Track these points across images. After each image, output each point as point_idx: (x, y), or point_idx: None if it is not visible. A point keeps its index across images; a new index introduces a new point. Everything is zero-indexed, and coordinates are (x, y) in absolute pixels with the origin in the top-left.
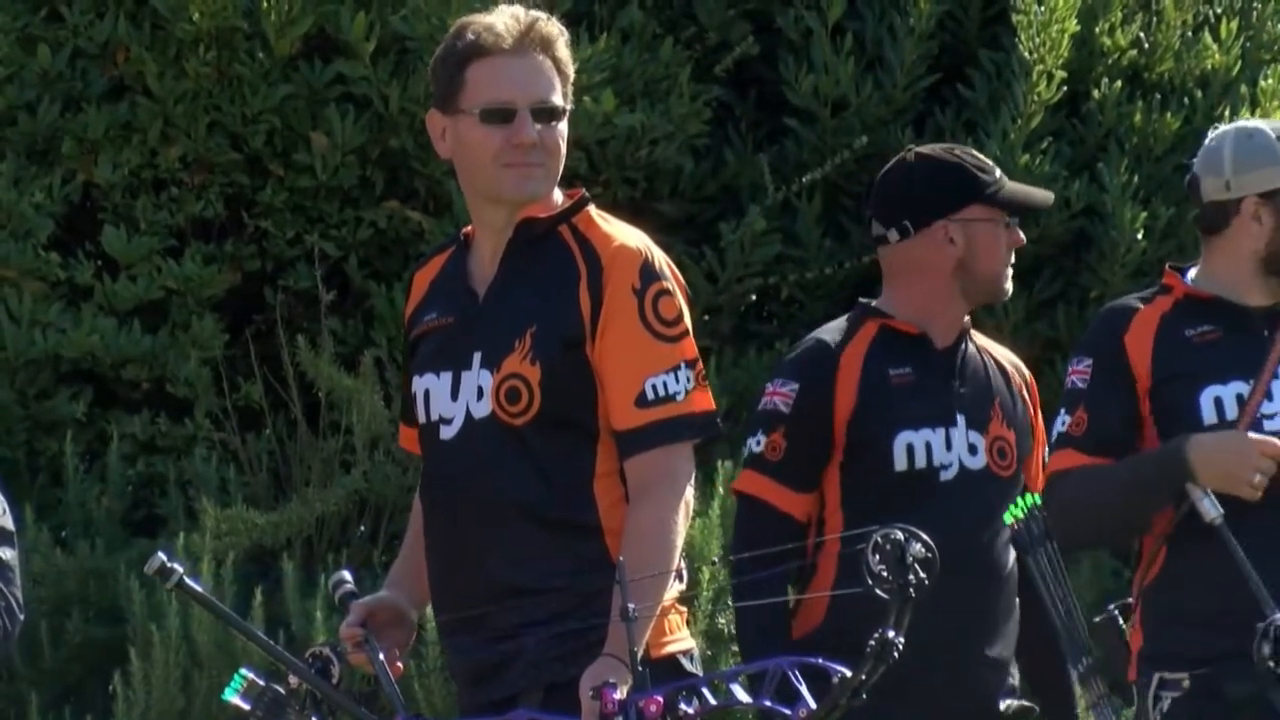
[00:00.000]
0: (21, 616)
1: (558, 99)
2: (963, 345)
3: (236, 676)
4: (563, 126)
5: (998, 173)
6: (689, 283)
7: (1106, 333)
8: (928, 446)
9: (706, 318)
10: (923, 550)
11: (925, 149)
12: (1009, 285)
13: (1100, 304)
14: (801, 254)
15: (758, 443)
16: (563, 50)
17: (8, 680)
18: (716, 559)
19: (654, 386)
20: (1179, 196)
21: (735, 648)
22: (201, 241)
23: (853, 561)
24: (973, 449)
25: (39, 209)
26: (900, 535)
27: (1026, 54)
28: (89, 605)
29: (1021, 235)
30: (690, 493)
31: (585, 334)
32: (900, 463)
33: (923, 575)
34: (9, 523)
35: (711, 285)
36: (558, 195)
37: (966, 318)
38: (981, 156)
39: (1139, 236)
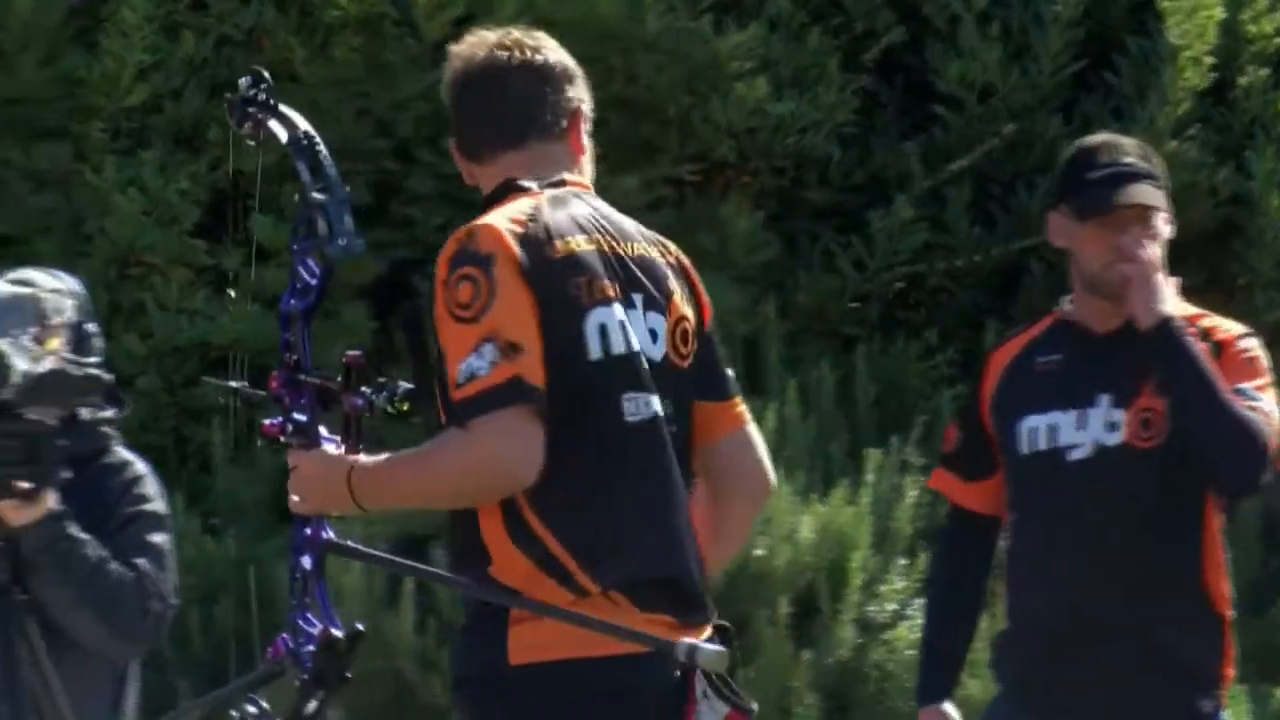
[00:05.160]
0: (174, 603)
1: None
2: (1128, 329)
3: None
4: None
5: (1107, 171)
6: (837, 270)
7: None
8: (1052, 429)
9: (855, 305)
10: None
11: (1087, 138)
12: (1113, 272)
13: (1248, 292)
14: (949, 242)
15: (945, 438)
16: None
17: (158, 668)
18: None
19: (463, 366)
20: None
21: (885, 636)
22: None
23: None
24: (1112, 426)
25: (185, 196)
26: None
27: (1173, 40)
28: (238, 592)
29: (1138, 236)
30: (485, 458)
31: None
32: (1023, 446)
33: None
34: (162, 508)
35: (859, 273)
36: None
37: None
38: (1120, 148)
39: None
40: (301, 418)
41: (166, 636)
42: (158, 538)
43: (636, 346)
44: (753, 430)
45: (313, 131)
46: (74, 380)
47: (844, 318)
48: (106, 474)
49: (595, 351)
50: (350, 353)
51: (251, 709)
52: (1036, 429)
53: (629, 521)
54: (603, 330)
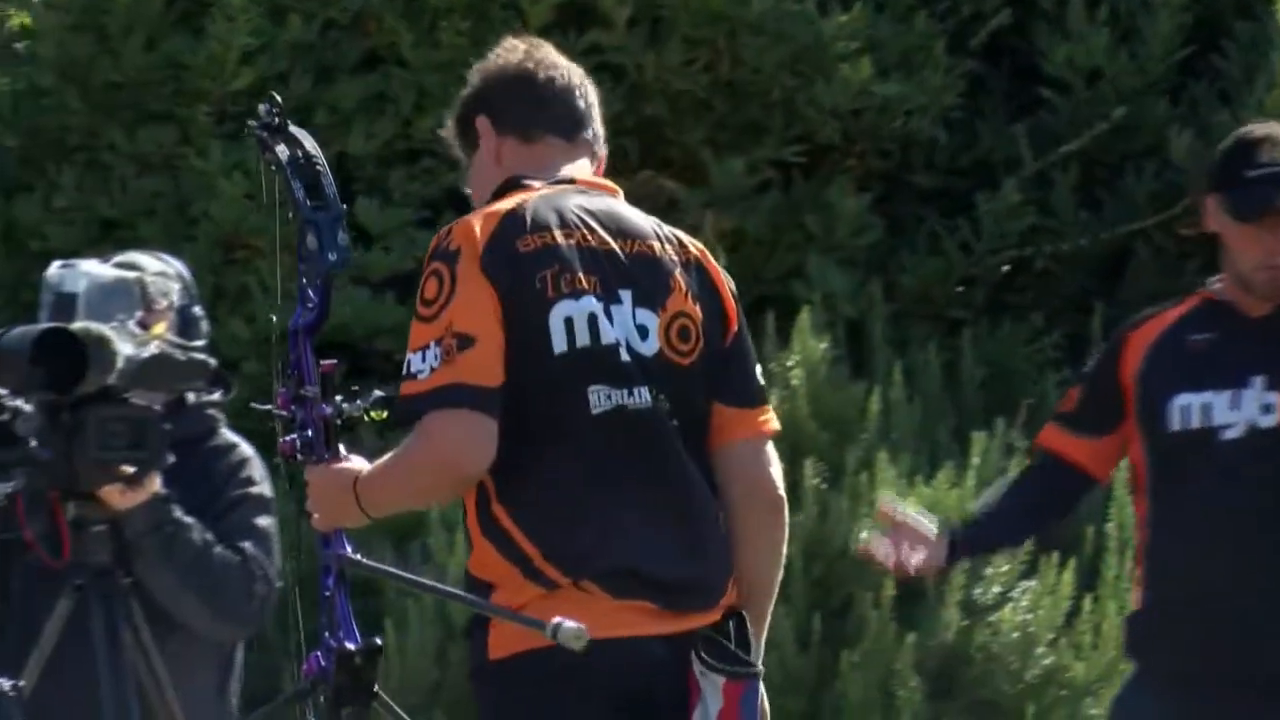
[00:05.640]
0: (278, 585)
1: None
2: None
3: None
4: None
5: (1266, 171)
6: (943, 253)
7: None
8: (1205, 408)
9: (961, 289)
10: None
11: (1250, 128)
12: (1265, 276)
13: None
14: (1056, 225)
15: (1064, 400)
16: None
17: (261, 650)
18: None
19: (407, 363)
20: None
21: (990, 619)
22: (454, 212)
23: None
24: (1266, 408)
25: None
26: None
27: None
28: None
29: None
30: (430, 454)
31: None
32: (1174, 423)
33: None
34: (268, 490)
35: (966, 256)
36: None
37: None
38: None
39: None
40: (308, 434)
41: (271, 619)
42: (263, 521)
43: (610, 339)
44: (770, 446)
45: (317, 152)
46: (179, 364)
47: (950, 301)
48: (213, 457)
49: (560, 344)
50: (325, 362)
51: None
52: (1189, 407)
53: (599, 512)
54: (568, 323)
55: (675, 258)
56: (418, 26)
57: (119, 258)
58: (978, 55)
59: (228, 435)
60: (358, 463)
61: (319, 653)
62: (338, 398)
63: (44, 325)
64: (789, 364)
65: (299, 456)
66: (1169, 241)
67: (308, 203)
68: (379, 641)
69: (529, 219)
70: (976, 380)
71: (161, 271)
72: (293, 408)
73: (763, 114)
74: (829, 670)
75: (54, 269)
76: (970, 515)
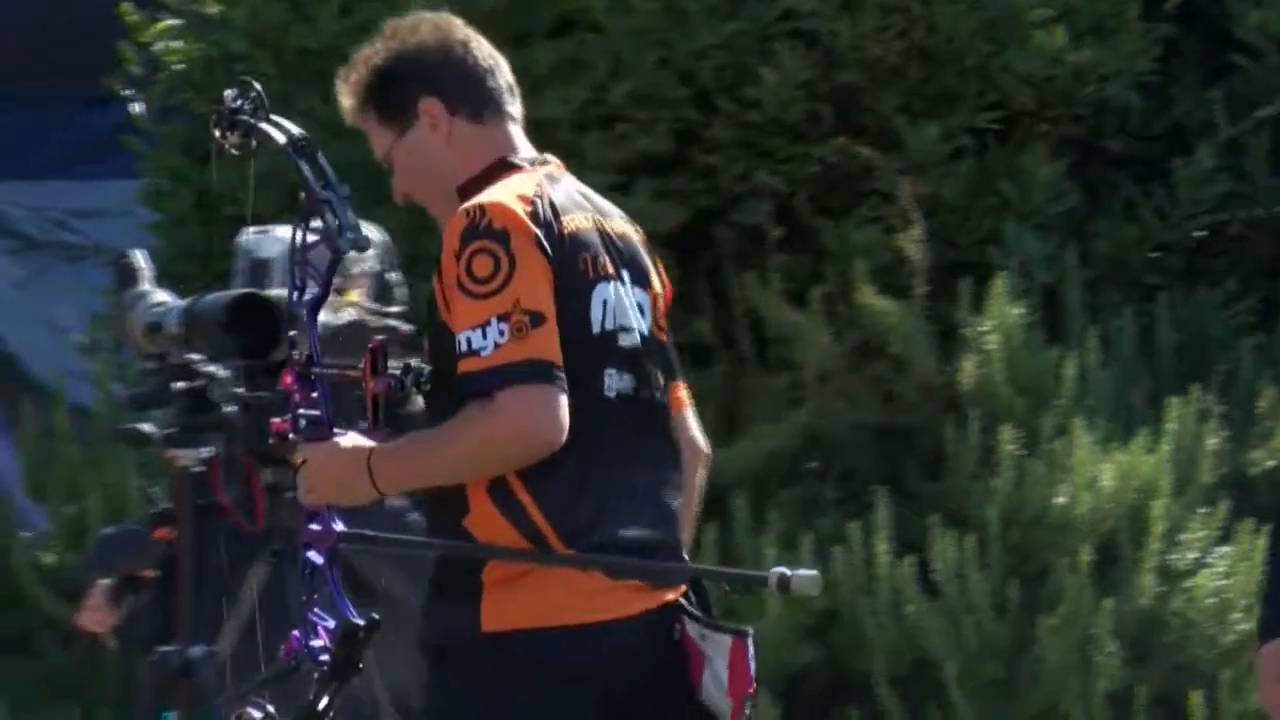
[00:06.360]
0: None
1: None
2: None
3: None
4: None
5: None
6: (1138, 219)
7: None
8: None
9: (1155, 255)
10: None
11: None
12: None
13: None
14: (1250, 191)
15: None
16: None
17: None
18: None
19: (464, 340)
20: None
21: (1186, 585)
22: (650, 178)
23: None
24: None
25: None
26: None
27: None
28: None
29: None
30: (492, 439)
31: (440, 304)
32: None
33: None
34: None
35: (1161, 222)
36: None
37: None
38: None
39: None
40: (314, 412)
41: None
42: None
43: (628, 322)
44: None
45: (307, 136)
46: (373, 331)
47: (1145, 266)
48: (408, 424)
49: (596, 326)
50: (376, 338)
51: (256, 713)
52: None
53: (605, 490)
54: (604, 305)
55: (637, 237)
56: None
57: (315, 224)
58: (1172, 20)
59: (421, 402)
60: (355, 439)
61: (297, 631)
62: (392, 371)
63: (238, 291)
64: (984, 330)
65: (292, 435)
66: None
67: (318, 183)
68: (376, 617)
69: (555, 201)
70: (1171, 346)
71: None
72: (294, 387)
73: (957, 81)
74: (1026, 636)
75: (248, 235)
76: None
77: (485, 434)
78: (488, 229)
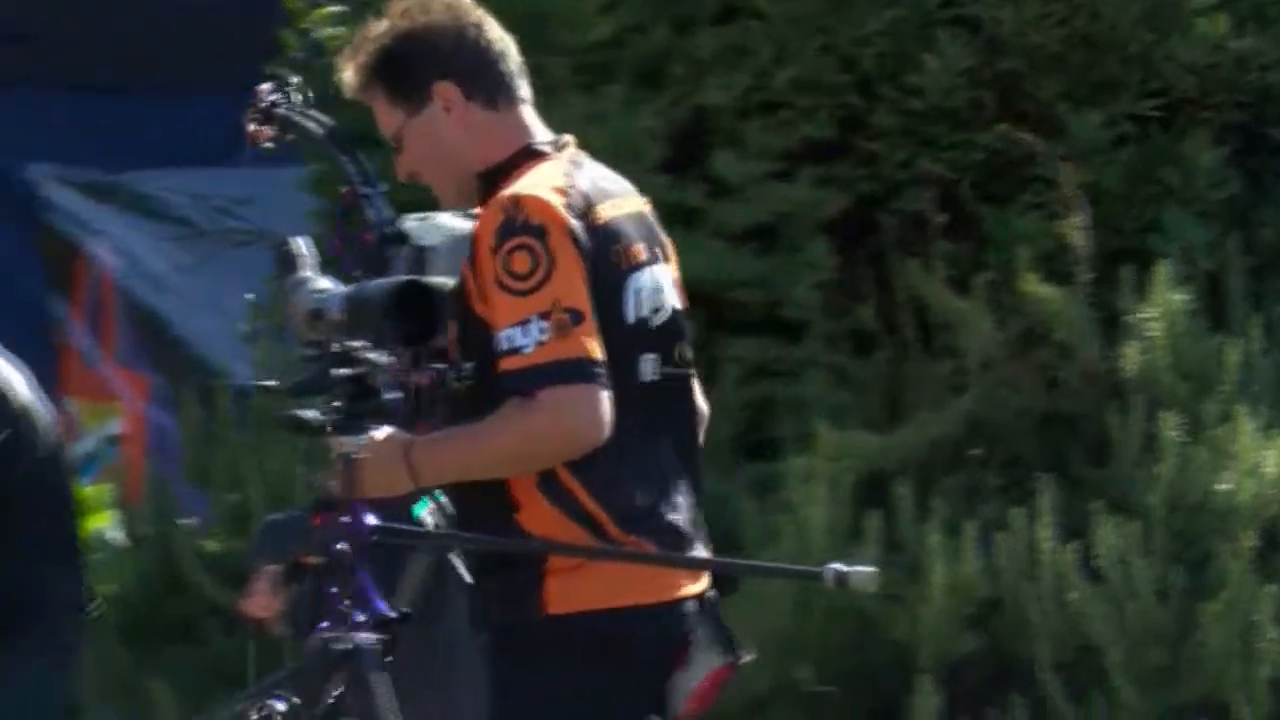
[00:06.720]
0: None
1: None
2: None
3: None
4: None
5: None
6: None
7: None
8: None
9: None
10: None
11: None
12: None
13: None
14: None
15: None
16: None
17: None
18: None
19: (505, 339)
20: None
21: None
22: (813, 164)
23: None
24: None
25: (648, 132)
26: None
27: None
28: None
29: None
30: (534, 437)
31: (472, 295)
32: None
33: None
34: None
35: None
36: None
37: None
38: None
39: None
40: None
41: None
42: None
43: (660, 303)
44: None
45: (344, 130)
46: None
47: None
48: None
49: (630, 316)
50: None
51: (280, 704)
52: None
53: (651, 476)
54: (637, 295)
55: (649, 209)
56: None
57: (473, 210)
58: None
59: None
60: (392, 432)
61: (323, 623)
62: (436, 365)
63: (401, 278)
64: (1147, 317)
65: (328, 429)
66: None
67: (359, 175)
68: (409, 611)
69: (587, 191)
70: None
71: None
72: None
73: (1119, 68)
74: (1189, 622)
75: (410, 222)
76: None
77: (528, 431)
78: (525, 225)
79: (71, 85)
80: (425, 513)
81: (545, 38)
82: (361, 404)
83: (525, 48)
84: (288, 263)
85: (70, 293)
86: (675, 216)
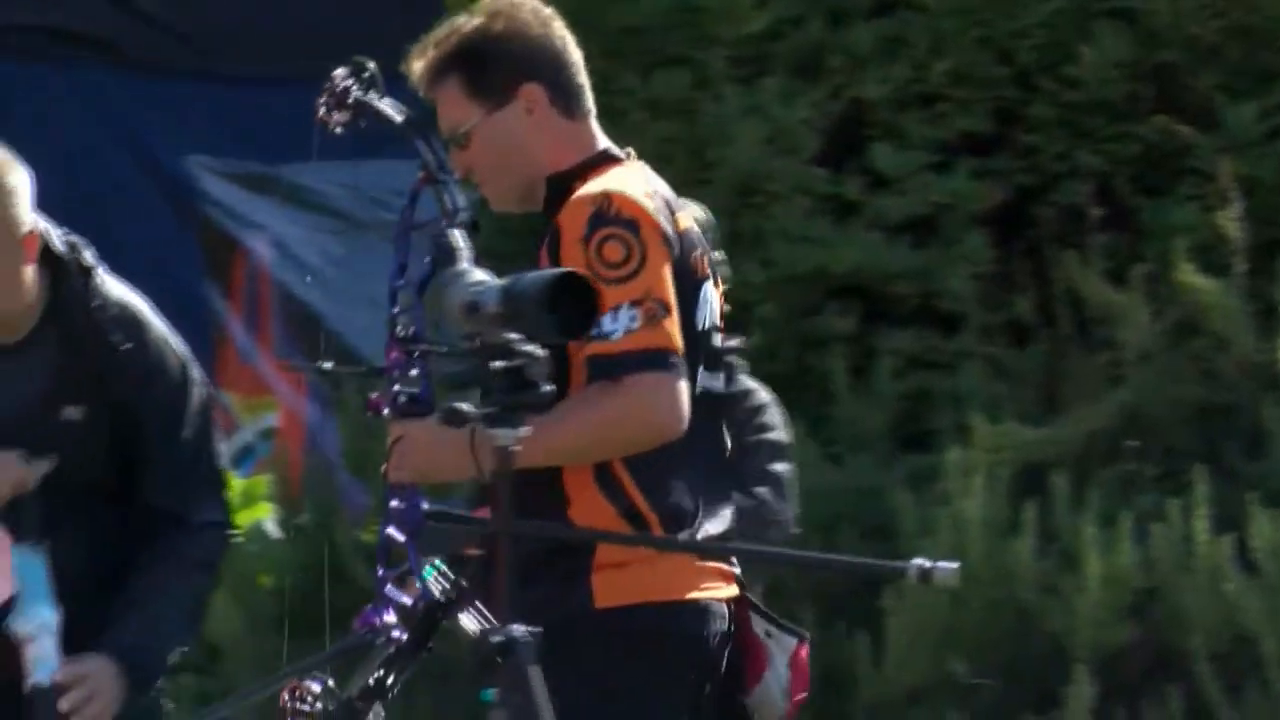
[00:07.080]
0: (793, 533)
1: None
2: None
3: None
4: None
5: None
6: None
7: None
8: None
9: None
10: None
11: None
12: None
13: None
14: None
15: None
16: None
17: (779, 595)
18: None
19: (596, 322)
20: None
21: None
22: (970, 156)
23: None
24: None
25: (805, 124)
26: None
27: None
28: (858, 522)
29: None
30: (616, 422)
31: None
32: None
33: None
34: (783, 437)
35: None
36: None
37: None
38: None
39: None
40: (414, 390)
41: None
42: (779, 466)
43: (718, 320)
44: None
45: (418, 116)
46: None
47: None
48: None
49: (700, 324)
50: None
51: (315, 685)
52: None
53: (698, 484)
54: (705, 305)
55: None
56: None
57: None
58: None
59: (745, 381)
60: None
61: (372, 606)
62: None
63: (558, 270)
64: None
65: (388, 411)
66: None
67: (435, 162)
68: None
69: (668, 198)
70: None
71: None
72: (398, 363)
73: (1276, 60)
74: None
75: None
76: None
77: (610, 417)
78: (616, 216)
79: (229, 78)
80: (431, 580)
81: (701, 31)
82: (518, 396)
83: (682, 41)
84: (444, 255)
85: (227, 286)
86: (832, 209)
